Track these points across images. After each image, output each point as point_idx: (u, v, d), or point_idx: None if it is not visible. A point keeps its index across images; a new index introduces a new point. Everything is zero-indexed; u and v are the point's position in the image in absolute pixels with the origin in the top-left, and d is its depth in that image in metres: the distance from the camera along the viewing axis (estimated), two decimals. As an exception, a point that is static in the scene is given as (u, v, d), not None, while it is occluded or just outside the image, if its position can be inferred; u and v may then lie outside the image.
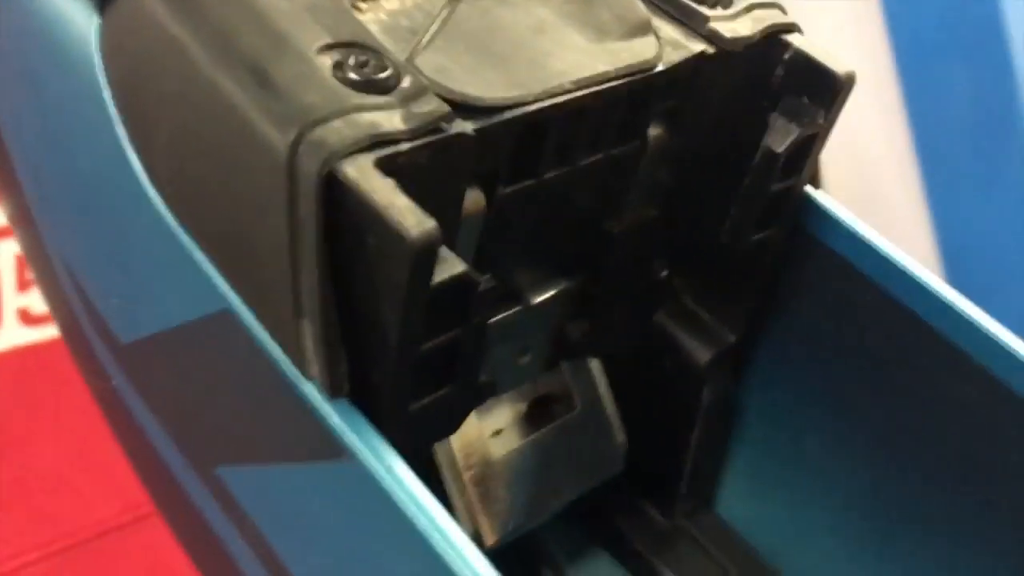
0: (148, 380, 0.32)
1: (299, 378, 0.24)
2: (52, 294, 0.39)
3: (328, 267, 0.23)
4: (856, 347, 0.36)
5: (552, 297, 0.33)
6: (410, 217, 0.21)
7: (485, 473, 0.34)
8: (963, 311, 0.32)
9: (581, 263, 0.33)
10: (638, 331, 0.37)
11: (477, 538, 0.34)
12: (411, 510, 0.22)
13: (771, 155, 0.31)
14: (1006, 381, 0.31)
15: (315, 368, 0.24)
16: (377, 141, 0.22)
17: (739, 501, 0.41)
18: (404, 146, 0.23)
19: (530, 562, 0.38)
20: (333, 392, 0.24)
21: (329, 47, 0.24)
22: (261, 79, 0.23)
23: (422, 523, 0.22)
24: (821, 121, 0.31)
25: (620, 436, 0.38)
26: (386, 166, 0.22)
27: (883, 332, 0.34)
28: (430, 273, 0.22)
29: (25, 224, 0.37)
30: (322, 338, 0.23)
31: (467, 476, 0.34)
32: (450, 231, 0.26)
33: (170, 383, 0.31)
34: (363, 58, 0.24)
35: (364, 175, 0.22)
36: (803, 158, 0.32)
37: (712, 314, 0.37)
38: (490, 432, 0.36)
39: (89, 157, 0.30)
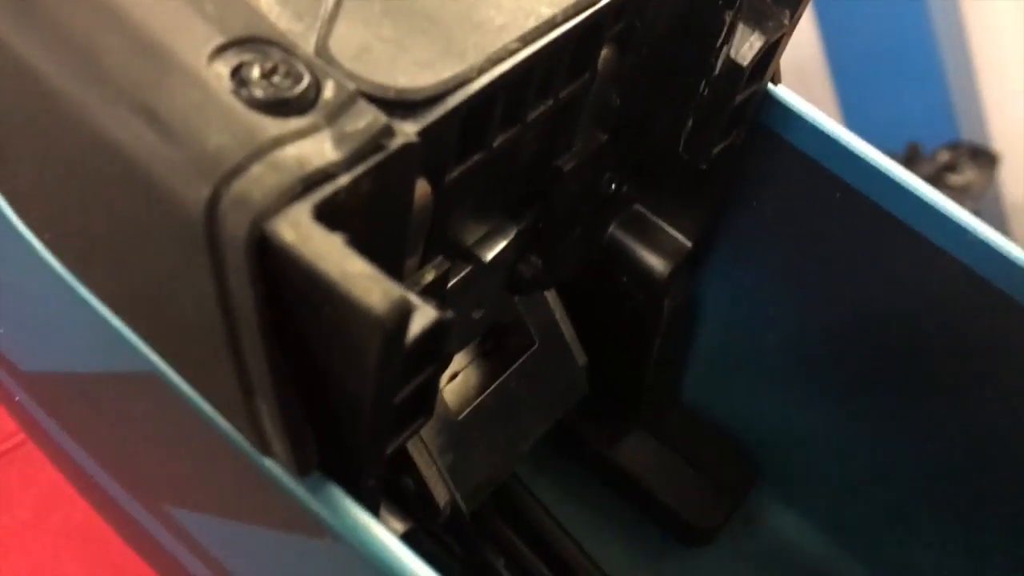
0: (62, 410, 0.28)
1: (257, 456, 0.21)
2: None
3: (275, 341, 0.19)
4: (816, 237, 0.34)
5: (504, 248, 0.29)
6: (375, 290, 0.17)
7: (450, 439, 0.32)
8: (924, 196, 0.30)
9: (530, 204, 0.30)
10: (591, 252, 0.34)
11: (454, 506, 0.32)
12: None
13: (736, 68, 0.28)
14: (965, 262, 0.30)
15: (278, 447, 0.20)
16: (310, 183, 0.18)
17: (701, 388, 0.40)
18: (343, 180, 0.19)
19: (505, 492, 0.37)
20: (302, 471, 0.20)
21: (220, 49, 0.19)
22: (148, 116, 0.18)
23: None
24: (786, 23, 0.28)
25: (581, 359, 0.36)
26: (326, 212, 0.18)
27: (844, 222, 0.32)
28: (403, 340, 0.19)
29: None
30: (282, 418, 0.20)
31: (433, 446, 0.31)
32: (401, 234, 0.22)
33: (91, 420, 0.27)
34: (267, 63, 0.19)
35: (303, 235, 0.18)
36: (767, 63, 0.29)
37: (669, 222, 0.34)
38: (446, 381, 0.33)
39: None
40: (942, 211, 0.30)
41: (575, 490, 0.40)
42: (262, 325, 0.18)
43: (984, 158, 1.17)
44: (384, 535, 0.20)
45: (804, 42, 1.01)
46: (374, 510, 0.21)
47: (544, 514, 0.37)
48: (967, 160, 1.14)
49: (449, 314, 0.20)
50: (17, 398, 0.30)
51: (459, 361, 0.34)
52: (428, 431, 0.31)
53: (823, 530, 0.40)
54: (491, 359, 0.34)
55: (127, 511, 0.29)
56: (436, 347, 0.20)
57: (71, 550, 0.55)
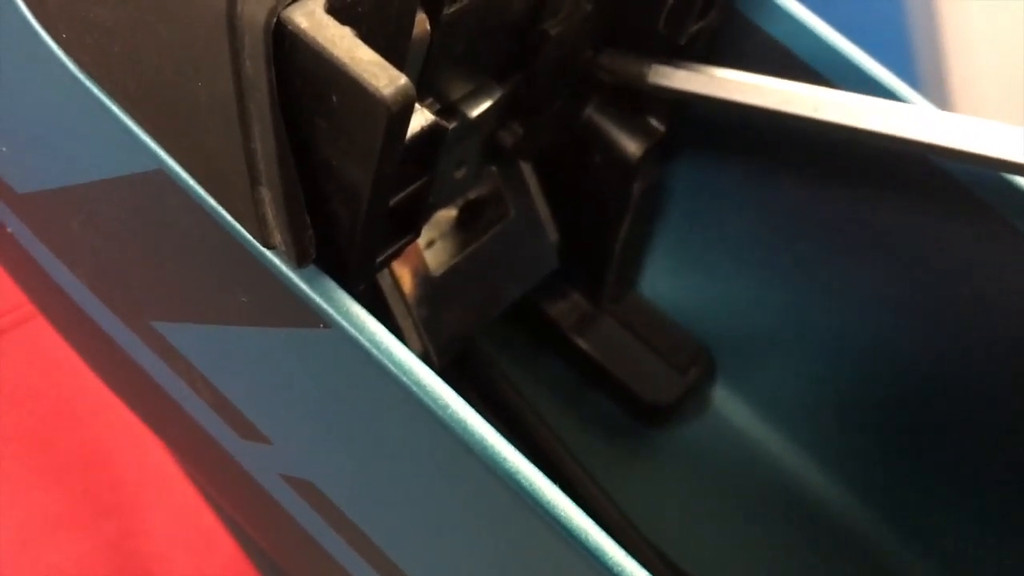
0: (55, 231, 0.29)
1: (258, 247, 0.22)
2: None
3: (284, 129, 0.20)
4: (785, 129, 0.35)
5: (488, 108, 0.31)
6: (381, 75, 0.19)
7: (427, 294, 0.33)
8: (887, 83, 0.32)
9: (515, 67, 0.31)
10: (569, 130, 0.36)
11: (427, 357, 0.33)
12: (399, 376, 0.21)
13: (717, -57, 0.29)
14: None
15: (278, 237, 0.22)
16: None
17: (663, 280, 0.42)
18: None
19: (470, 359, 0.38)
20: (300, 261, 0.22)
21: None
22: None
23: (411, 388, 0.21)
24: (769, -97, 0.29)
25: (553, 235, 0.38)
26: (338, 9, 0.20)
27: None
28: (405, 131, 0.20)
29: None
30: (285, 206, 0.21)
31: (410, 299, 0.33)
32: (400, 59, 0.23)
33: (85, 236, 0.28)
34: None
35: (318, 24, 0.19)
36: (748, -57, 0.30)
37: (643, 105, 0.36)
38: (424, 244, 0.34)
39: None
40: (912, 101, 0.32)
41: (537, 366, 0.41)
42: (273, 111, 0.20)
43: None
44: (375, 324, 0.22)
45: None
46: None
47: (507, 383, 0.39)
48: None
49: (444, 123, 0.21)
50: (9, 228, 0.31)
51: (439, 227, 0.35)
52: (406, 284, 0.33)
53: (772, 419, 0.42)
54: (468, 227, 0.36)
55: (114, 339, 0.30)
56: (431, 152, 0.22)
57: (19, 453, 0.56)
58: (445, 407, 0.21)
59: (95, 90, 0.23)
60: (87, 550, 0.53)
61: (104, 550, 0.53)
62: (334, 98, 0.20)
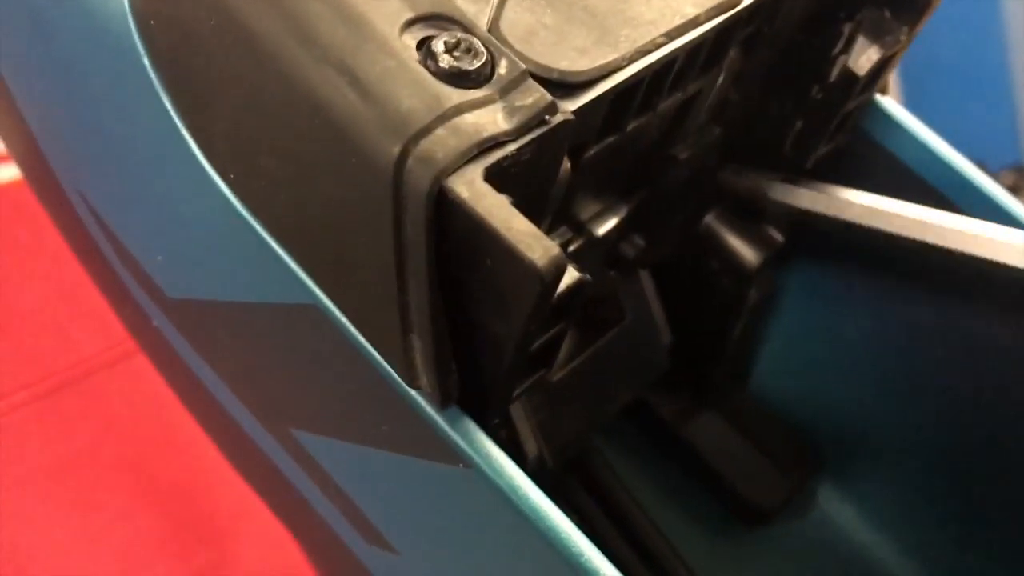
0: (201, 335, 0.31)
1: (404, 387, 0.23)
2: (59, 213, 0.36)
3: (438, 286, 0.21)
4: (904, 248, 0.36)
5: (615, 226, 0.32)
6: (536, 246, 0.20)
7: (544, 399, 0.34)
8: (1017, 214, 0.32)
9: (641, 186, 0.32)
10: (688, 238, 0.36)
11: (541, 460, 0.34)
12: (534, 518, 0.22)
13: (852, 76, 0.30)
14: None
15: (424, 380, 0.23)
16: (483, 148, 0.21)
17: (772, 381, 0.42)
18: (510, 148, 0.21)
19: (585, 460, 0.39)
20: (444, 403, 0.23)
21: (410, 23, 0.22)
22: (350, 77, 0.21)
23: (547, 533, 0.22)
24: (903, 38, 0.29)
25: (666, 337, 0.38)
26: (495, 174, 0.21)
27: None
28: (553, 294, 0.21)
29: (29, 153, 0.34)
30: (434, 354, 0.22)
31: (528, 404, 0.34)
32: (545, 202, 0.24)
33: (231, 344, 0.29)
34: (450, 39, 0.22)
35: (476, 193, 0.20)
36: (880, 75, 0.30)
37: (762, 215, 0.36)
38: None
39: (123, 113, 0.27)
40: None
41: (643, 461, 0.42)
42: (430, 269, 0.21)
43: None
44: (511, 466, 0.23)
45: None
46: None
47: (618, 484, 0.39)
48: (1031, 184, 1.14)
49: (587, 277, 0.22)
50: (155, 322, 0.33)
51: None
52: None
53: (877, 524, 0.41)
54: (584, 329, 0.36)
55: (250, 436, 0.32)
56: (573, 303, 0.23)
57: (121, 482, 0.58)
58: (580, 555, 0.22)
59: (257, 227, 0.24)
60: (181, 576, 0.55)
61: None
62: (488, 262, 0.21)
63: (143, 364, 0.64)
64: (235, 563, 0.57)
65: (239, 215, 0.24)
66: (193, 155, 0.25)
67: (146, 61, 0.25)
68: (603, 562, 0.22)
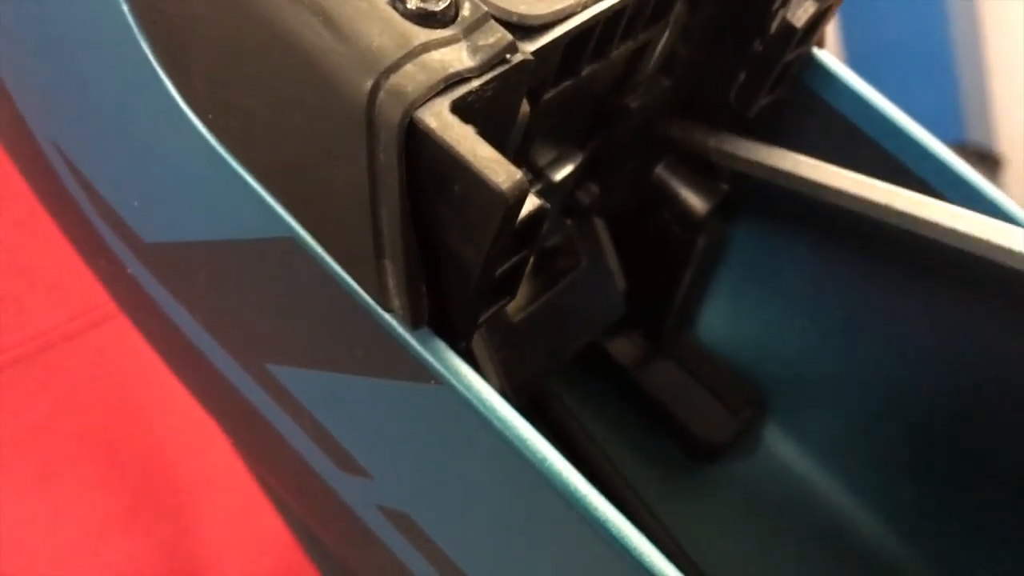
0: (177, 277, 0.32)
1: (379, 310, 0.25)
2: (32, 167, 0.37)
3: (409, 212, 0.23)
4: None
5: (570, 172, 0.34)
6: (500, 171, 0.22)
7: (506, 339, 0.36)
8: (952, 164, 0.34)
9: (595, 134, 0.34)
10: (640, 188, 0.38)
11: (504, 394, 0.36)
12: (502, 430, 0.24)
13: (790, 28, 0.32)
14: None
15: (397, 303, 0.24)
16: (449, 83, 0.22)
17: (721, 326, 0.45)
18: (474, 83, 0.23)
19: (542, 399, 0.41)
20: (415, 324, 0.25)
21: None
22: (325, 17, 0.22)
23: (513, 442, 0.24)
24: (839, -9, 0.32)
25: (621, 284, 0.40)
26: (460, 107, 0.22)
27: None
28: (517, 218, 0.23)
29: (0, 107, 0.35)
30: (406, 277, 0.24)
31: (492, 343, 0.35)
32: (505, 140, 0.26)
33: (207, 285, 0.31)
34: None
35: (444, 123, 0.22)
36: (817, 27, 0.33)
37: (710, 167, 0.38)
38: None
39: (101, 59, 0.28)
40: (967, 179, 0.34)
41: (600, 405, 0.44)
42: (401, 194, 0.23)
43: (989, 161, 1.21)
44: (479, 381, 0.24)
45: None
46: None
47: (575, 422, 0.41)
48: (972, 163, 1.18)
49: (547, 205, 0.24)
50: (130, 270, 0.34)
51: None
52: (487, 329, 0.35)
53: (816, 458, 0.44)
54: (542, 275, 0.38)
55: (226, 376, 0.33)
56: (534, 231, 0.25)
57: (81, 455, 0.58)
58: (543, 460, 0.24)
59: (235, 165, 0.26)
60: (143, 549, 0.55)
61: (159, 549, 0.56)
62: (456, 188, 0.22)
63: (103, 338, 0.64)
64: (196, 535, 0.58)
65: (217, 154, 0.26)
66: (172, 97, 0.26)
67: (124, 6, 0.26)
68: (565, 465, 0.24)
